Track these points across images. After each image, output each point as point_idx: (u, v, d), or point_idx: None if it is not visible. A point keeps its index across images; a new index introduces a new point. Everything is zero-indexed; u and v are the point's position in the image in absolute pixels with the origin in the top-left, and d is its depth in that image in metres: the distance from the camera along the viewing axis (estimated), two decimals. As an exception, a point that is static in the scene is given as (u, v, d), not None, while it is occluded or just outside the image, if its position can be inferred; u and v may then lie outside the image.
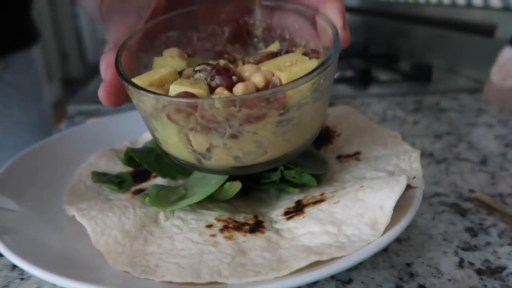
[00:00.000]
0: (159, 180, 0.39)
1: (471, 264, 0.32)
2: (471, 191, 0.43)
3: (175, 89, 0.28)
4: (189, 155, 0.30)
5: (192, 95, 0.27)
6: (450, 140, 0.56)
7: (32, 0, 0.80)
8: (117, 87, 0.31)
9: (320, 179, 0.36)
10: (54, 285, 0.30)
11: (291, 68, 0.29)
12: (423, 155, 0.51)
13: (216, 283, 0.25)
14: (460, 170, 0.47)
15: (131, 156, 0.39)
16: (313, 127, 0.32)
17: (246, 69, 0.31)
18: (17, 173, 0.39)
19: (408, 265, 0.32)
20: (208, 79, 0.29)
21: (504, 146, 0.54)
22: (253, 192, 0.38)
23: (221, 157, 0.29)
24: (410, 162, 0.35)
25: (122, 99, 0.32)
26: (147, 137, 0.49)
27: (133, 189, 0.39)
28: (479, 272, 0.31)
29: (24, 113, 0.76)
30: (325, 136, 0.45)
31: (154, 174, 0.40)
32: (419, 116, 0.67)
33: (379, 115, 0.68)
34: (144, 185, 0.39)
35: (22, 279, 0.31)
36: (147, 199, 0.32)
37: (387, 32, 1.25)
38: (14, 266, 0.32)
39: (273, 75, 0.29)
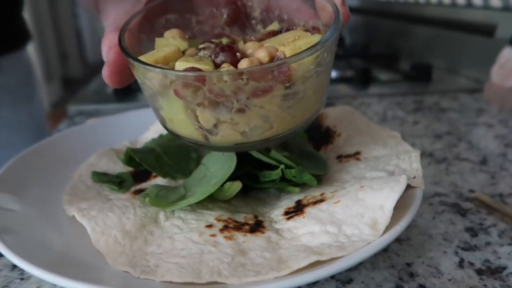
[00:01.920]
0: (159, 180, 0.39)
1: (471, 264, 0.32)
2: (471, 191, 0.42)
3: (181, 65, 0.29)
4: (196, 132, 0.30)
5: (199, 70, 0.28)
6: (450, 140, 0.56)
7: (22, 2, 0.80)
8: (120, 66, 0.31)
9: (320, 179, 0.36)
10: (54, 285, 0.30)
11: (294, 42, 0.29)
12: (423, 155, 0.51)
13: (216, 283, 0.25)
14: (460, 170, 0.47)
15: (131, 156, 0.39)
16: (315, 102, 0.32)
17: (249, 46, 0.31)
18: (17, 173, 0.39)
19: (408, 265, 0.32)
20: (213, 56, 0.30)
21: (504, 146, 0.54)
22: (253, 192, 0.38)
23: (228, 133, 0.29)
24: (410, 162, 0.35)
25: (125, 79, 0.32)
26: (147, 137, 0.49)
27: (133, 189, 0.39)
28: (479, 272, 0.31)
29: (14, 113, 0.76)
30: (325, 136, 0.45)
31: (154, 174, 0.40)
32: (419, 116, 0.67)
33: (379, 115, 0.68)
34: (144, 185, 0.39)
35: (22, 279, 0.31)
36: (147, 199, 0.32)
37: (387, 32, 1.25)
38: (14, 266, 0.32)
39: (277, 51, 0.30)
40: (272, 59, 0.29)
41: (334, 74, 0.93)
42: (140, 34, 0.34)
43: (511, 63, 0.69)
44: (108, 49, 0.32)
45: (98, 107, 0.76)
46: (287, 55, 0.29)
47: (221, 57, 0.29)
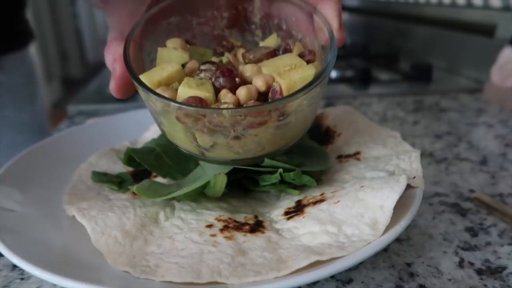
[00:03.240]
0: (159, 180, 0.39)
1: (471, 264, 0.32)
2: (471, 191, 0.42)
3: (183, 91, 0.30)
4: (194, 148, 0.32)
5: (201, 100, 0.29)
6: (450, 140, 0.56)
7: (25, 2, 0.80)
8: (128, 79, 0.32)
9: (320, 179, 0.36)
10: (54, 285, 0.30)
11: (290, 75, 0.31)
12: (423, 155, 0.51)
13: (216, 283, 0.25)
14: (460, 170, 0.47)
15: (131, 156, 0.39)
16: (306, 125, 0.34)
17: (247, 70, 0.32)
18: (18, 173, 0.39)
19: (408, 265, 0.32)
20: (213, 79, 0.31)
21: (504, 146, 0.54)
22: (253, 192, 0.38)
23: (223, 152, 0.31)
24: (410, 162, 0.35)
25: (132, 90, 0.33)
26: (147, 137, 0.49)
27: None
28: (479, 272, 0.31)
29: (17, 113, 0.77)
30: (325, 136, 0.45)
31: (154, 174, 0.40)
32: (419, 116, 0.67)
33: (379, 115, 0.68)
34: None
35: (22, 279, 0.31)
36: (134, 187, 0.32)
37: (387, 32, 1.25)
38: (14, 266, 0.32)
39: (274, 80, 0.31)
40: (268, 88, 0.31)
41: (334, 74, 0.93)
42: (142, 40, 0.35)
43: (511, 63, 0.69)
44: (113, 61, 0.32)
45: (98, 107, 0.76)
46: (283, 89, 0.30)
47: (220, 81, 0.31)
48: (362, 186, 0.31)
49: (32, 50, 0.85)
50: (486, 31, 0.85)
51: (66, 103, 0.78)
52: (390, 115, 0.68)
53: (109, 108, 0.74)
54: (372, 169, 0.36)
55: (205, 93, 0.30)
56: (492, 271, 0.31)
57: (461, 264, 0.32)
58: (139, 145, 0.47)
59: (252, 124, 0.29)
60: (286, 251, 0.28)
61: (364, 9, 1.42)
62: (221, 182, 0.33)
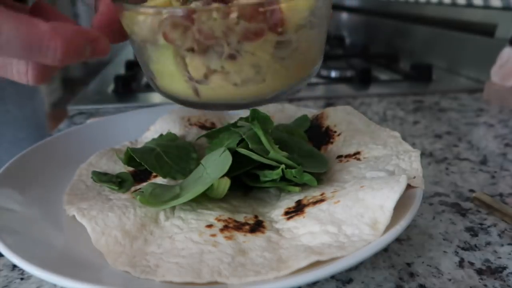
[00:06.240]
0: (160, 180, 0.39)
1: (471, 264, 0.32)
2: (471, 191, 0.42)
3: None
4: (185, 85, 0.30)
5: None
6: (450, 140, 0.56)
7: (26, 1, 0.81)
8: (110, 17, 0.30)
9: (320, 179, 0.36)
10: (54, 285, 0.30)
11: None
12: (423, 155, 0.51)
13: (216, 283, 0.25)
14: (460, 170, 0.47)
15: (131, 156, 0.39)
16: (310, 58, 0.31)
17: None
18: (17, 173, 0.39)
19: (408, 265, 0.32)
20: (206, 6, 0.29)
21: (504, 146, 0.54)
22: (253, 192, 0.38)
23: (219, 84, 0.29)
24: (410, 162, 0.35)
25: (116, 36, 0.31)
26: (147, 137, 0.49)
27: (133, 189, 0.39)
28: (479, 272, 0.31)
29: (19, 109, 0.77)
30: (325, 136, 0.45)
31: (154, 174, 0.40)
32: (419, 116, 0.67)
33: (379, 115, 0.68)
34: (144, 185, 0.39)
35: (22, 279, 0.31)
36: (138, 197, 0.32)
37: (387, 32, 1.25)
38: (14, 266, 0.32)
39: None
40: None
41: (334, 74, 0.93)
42: None
43: (511, 63, 0.69)
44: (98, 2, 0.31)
45: (98, 107, 0.76)
46: None
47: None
48: (362, 186, 0.31)
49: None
50: (486, 31, 0.85)
51: (66, 103, 0.78)
52: (390, 115, 0.68)
53: (109, 108, 0.74)
54: (372, 169, 0.36)
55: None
56: (492, 271, 0.31)
57: (461, 264, 0.32)
58: (139, 145, 0.47)
59: (248, 33, 0.26)
60: (286, 251, 0.28)
61: (364, 9, 1.42)
62: (224, 185, 0.33)
